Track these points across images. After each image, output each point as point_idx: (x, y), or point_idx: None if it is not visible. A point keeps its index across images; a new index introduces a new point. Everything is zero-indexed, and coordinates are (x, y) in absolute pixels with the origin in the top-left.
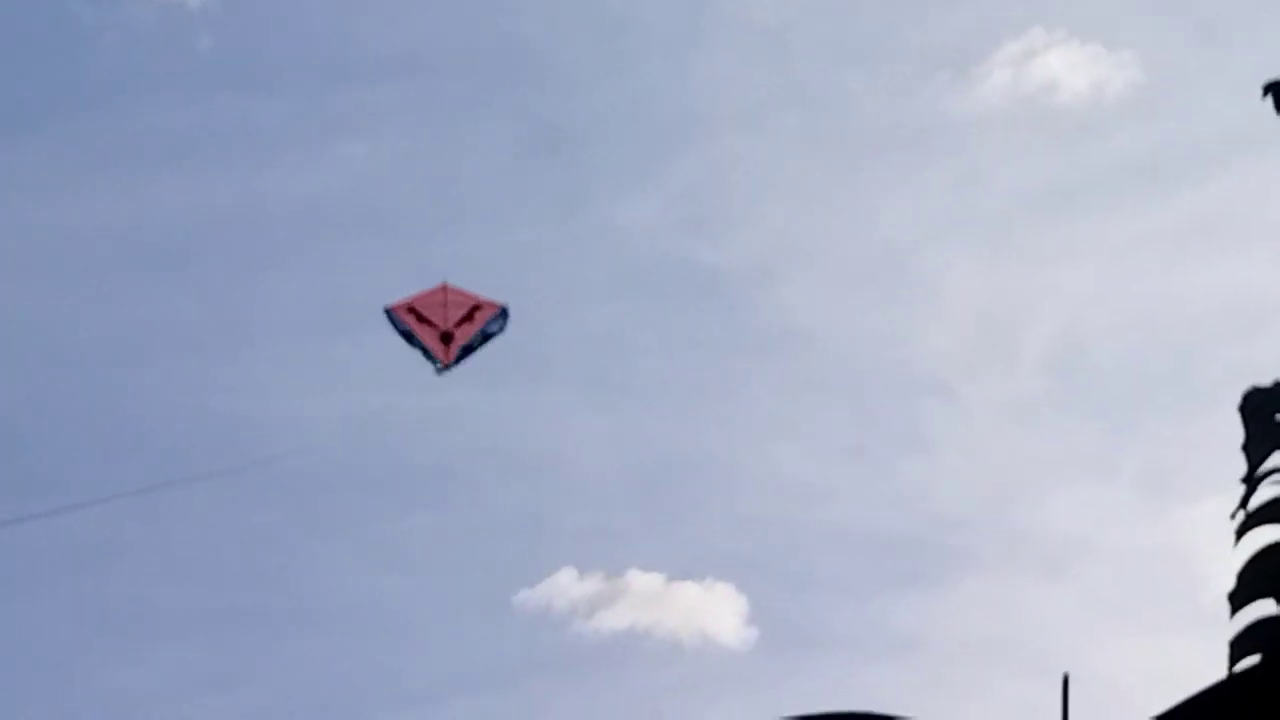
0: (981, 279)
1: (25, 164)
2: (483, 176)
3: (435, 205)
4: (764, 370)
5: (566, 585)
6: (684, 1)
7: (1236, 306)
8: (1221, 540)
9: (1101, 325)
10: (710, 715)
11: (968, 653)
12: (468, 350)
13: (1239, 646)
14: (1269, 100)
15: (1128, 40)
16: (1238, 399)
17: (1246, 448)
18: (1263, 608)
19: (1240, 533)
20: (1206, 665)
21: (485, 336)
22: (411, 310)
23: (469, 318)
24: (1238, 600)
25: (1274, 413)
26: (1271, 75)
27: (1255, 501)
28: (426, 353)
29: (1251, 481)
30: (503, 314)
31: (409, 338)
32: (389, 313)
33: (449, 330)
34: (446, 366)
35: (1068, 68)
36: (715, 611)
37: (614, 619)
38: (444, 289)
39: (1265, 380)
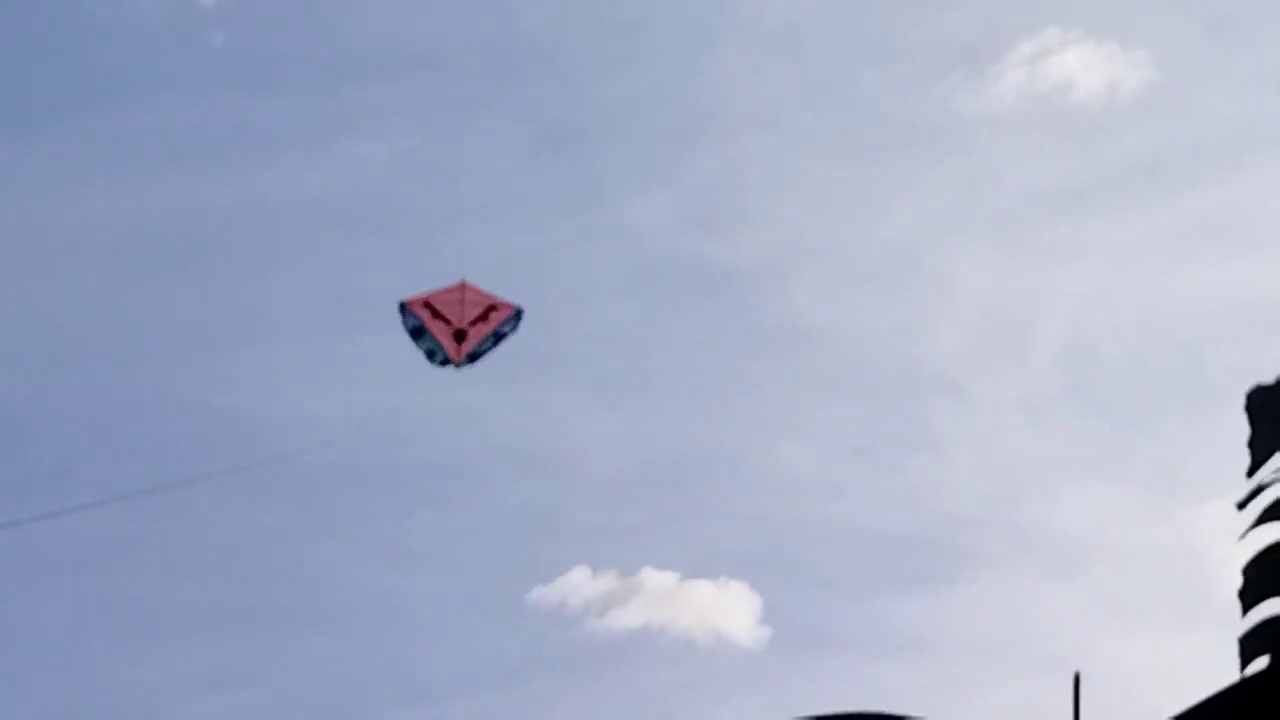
0: (992, 278)
1: (33, 161)
2: (494, 174)
3: (446, 203)
4: (775, 369)
5: (580, 583)
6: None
7: (1248, 306)
8: (1231, 539)
9: (1112, 324)
10: (723, 714)
11: (979, 652)
12: (478, 355)
13: (1249, 645)
14: None
15: (1143, 39)
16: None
17: (1252, 444)
18: (1273, 606)
19: (1246, 530)
20: (1217, 664)
21: (497, 338)
22: (427, 305)
23: (484, 317)
24: (1248, 598)
25: None
26: None
27: (1261, 500)
28: (431, 350)
29: (1256, 479)
30: (517, 315)
31: (416, 334)
32: (403, 306)
33: (463, 328)
34: (458, 364)
35: (1083, 66)
36: (729, 610)
37: (628, 617)
38: (462, 287)
39: (1273, 379)
